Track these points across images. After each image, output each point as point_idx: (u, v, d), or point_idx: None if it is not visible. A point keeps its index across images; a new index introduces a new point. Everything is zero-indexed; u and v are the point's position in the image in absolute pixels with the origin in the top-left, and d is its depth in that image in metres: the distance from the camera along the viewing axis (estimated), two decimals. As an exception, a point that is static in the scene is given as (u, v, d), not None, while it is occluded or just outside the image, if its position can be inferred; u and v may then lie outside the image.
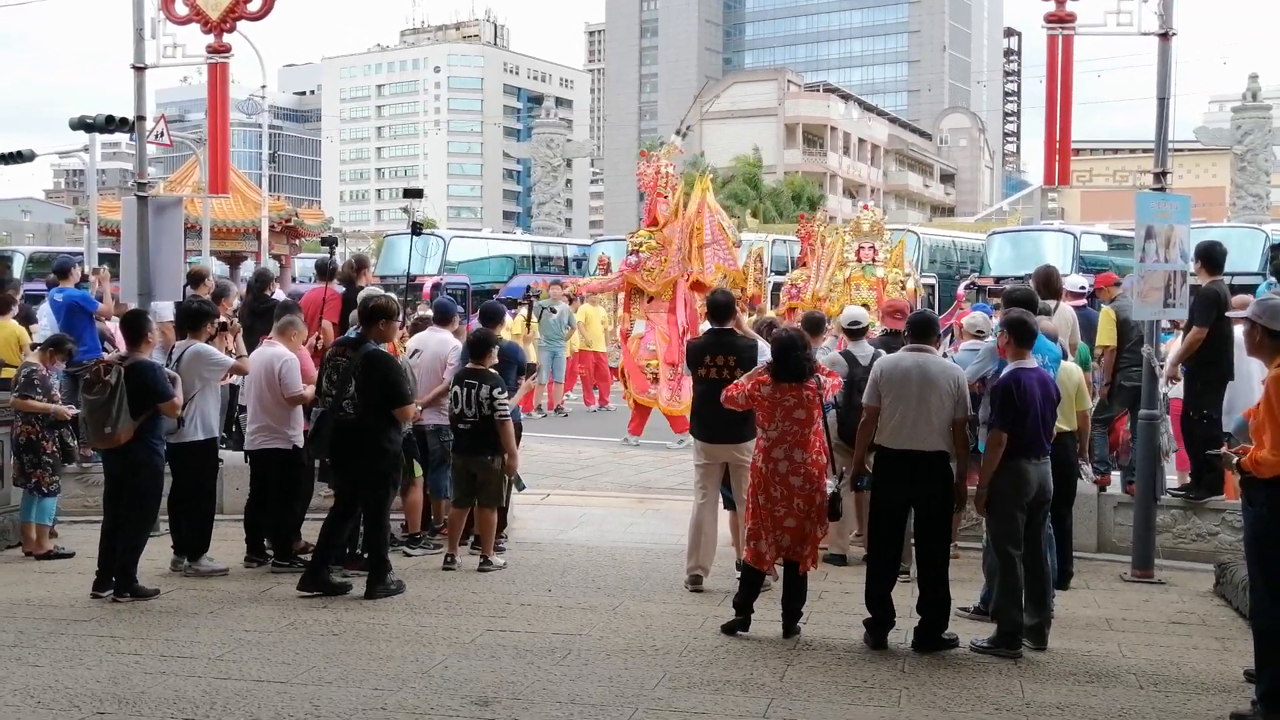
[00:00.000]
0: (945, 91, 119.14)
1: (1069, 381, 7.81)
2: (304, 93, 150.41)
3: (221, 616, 7.24)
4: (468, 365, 8.63)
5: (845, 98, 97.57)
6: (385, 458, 7.81)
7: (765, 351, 7.93)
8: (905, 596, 6.97)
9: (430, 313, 10.39)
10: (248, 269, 26.77)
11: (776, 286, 21.30)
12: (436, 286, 29.88)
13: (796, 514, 6.80)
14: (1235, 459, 5.59)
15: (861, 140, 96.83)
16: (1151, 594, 8.24)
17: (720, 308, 8.12)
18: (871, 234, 18.37)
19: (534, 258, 41.99)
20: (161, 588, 7.88)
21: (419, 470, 9.09)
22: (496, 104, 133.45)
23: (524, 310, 19.02)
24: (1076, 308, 10.19)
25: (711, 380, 7.92)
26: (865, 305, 14.50)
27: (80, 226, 35.07)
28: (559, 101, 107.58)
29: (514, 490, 8.94)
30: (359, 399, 7.75)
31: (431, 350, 9.36)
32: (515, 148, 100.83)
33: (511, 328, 15.99)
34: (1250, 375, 8.30)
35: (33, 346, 10.25)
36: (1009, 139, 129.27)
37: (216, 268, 24.88)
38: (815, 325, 9.38)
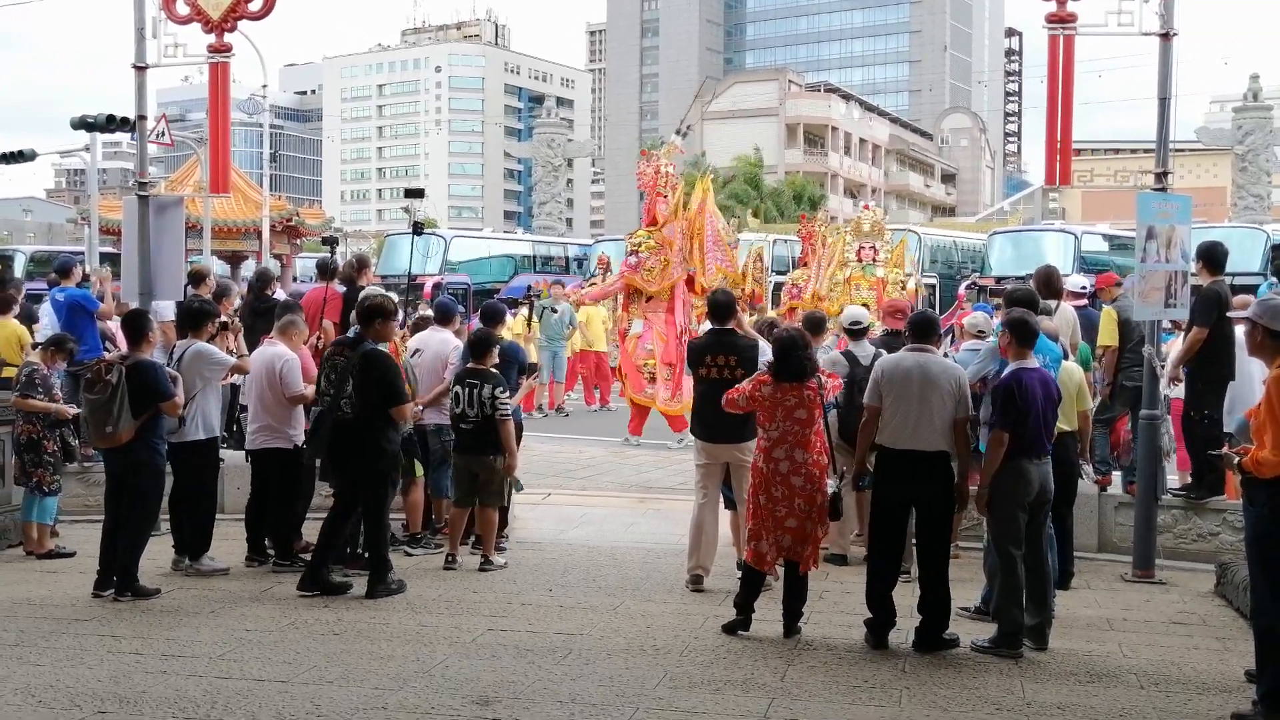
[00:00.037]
0: (946, 91, 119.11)
1: (1070, 381, 7.81)
2: (305, 92, 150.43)
3: (222, 616, 7.24)
4: (469, 365, 8.63)
5: (846, 98, 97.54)
6: (383, 457, 7.81)
7: (766, 351, 7.93)
8: (906, 596, 6.97)
9: (431, 312, 10.40)
10: (249, 268, 26.77)
11: (778, 286, 21.29)
12: (437, 286, 29.89)
13: (797, 514, 6.81)
14: (1236, 459, 5.59)
15: (862, 140, 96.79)
16: (1152, 594, 8.24)
17: (721, 308, 8.13)
18: (872, 234, 18.35)
19: (535, 257, 42.02)
20: (163, 587, 7.88)
21: (420, 470, 9.09)
22: (497, 104, 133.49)
23: (524, 310, 19.02)
24: (1078, 308, 10.19)
25: (712, 380, 7.93)
26: (865, 305, 14.48)
27: (81, 226, 35.08)
28: (560, 101, 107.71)
29: (513, 491, 8.95)
30: (356, 398, 7.74)
31: (432, 350, 9.36)
32: (516, 147, 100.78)
33: (512, 327, 15.99)
34: (1251, 376, 8.30)
35: (34, 346, 10.26)
36: (1010, 139, 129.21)
37: (217, 267, 24.89)
38: (816, 325, 9.39)
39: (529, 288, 27.15)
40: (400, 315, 10.77)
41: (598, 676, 6.06)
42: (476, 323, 9.63)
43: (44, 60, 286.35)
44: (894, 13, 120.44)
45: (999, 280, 27.25)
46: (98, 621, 7.12)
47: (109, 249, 24.27)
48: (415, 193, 23.56)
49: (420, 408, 9.00)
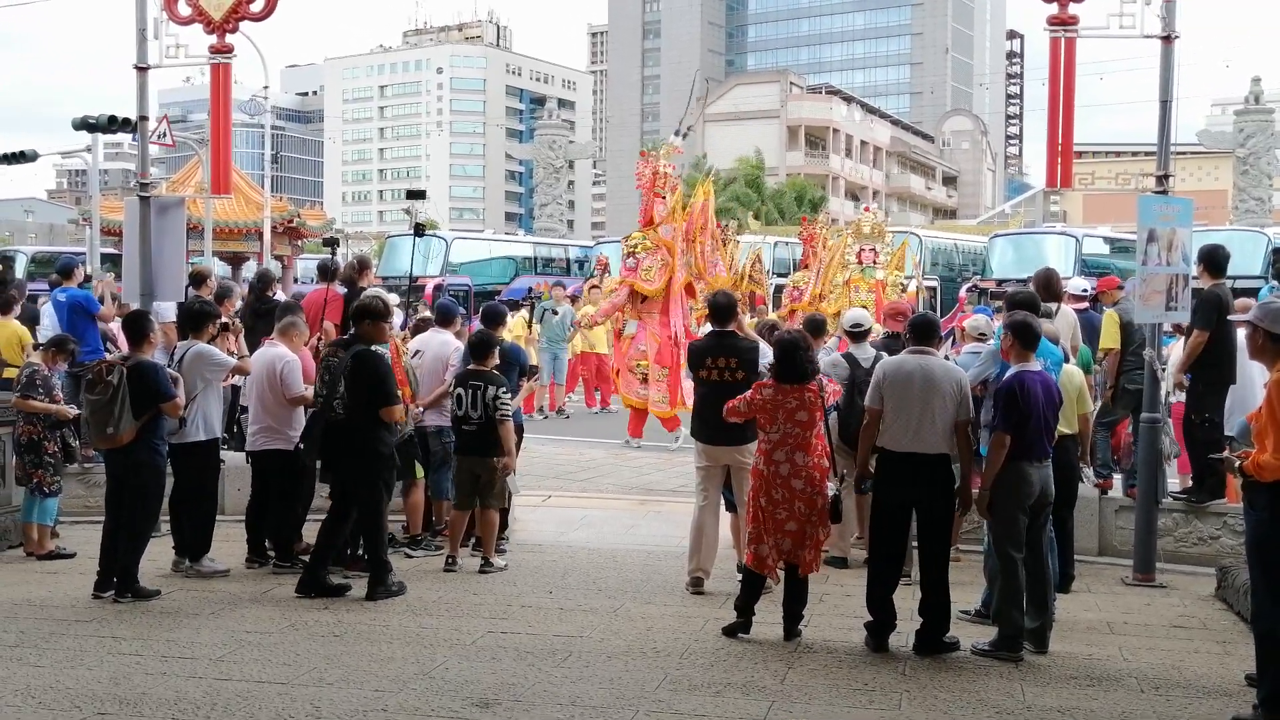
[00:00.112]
0: (947, 94, 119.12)
1: (1070, 384, 7.81)
2: (306, 93, 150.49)
3: (223, 617, 7.24)
4: (470, 367, 8.62)
5: (848, 100, 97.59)
6: (376, 458, 7.79)
7: (767, 353, 7.93)
8: (906, 599, 6.97)
9: (432, 314, 10.40)
10: (250, 270, 26.80)
11: (778, 289, 21.30)
12: (438, 288, 29.91)
13: (798, 517, 6.80)
14: (1237, 463, 5.59)
15: (864, 142, 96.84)
16: (1153, 598, 8.23)
17: (722, 310, 8.12)
18: (872, 236, 18.36)
19: (536, 259, 42.08)
20: (163, 588, 7.88)
21: (420, 472, 9.09)
22: (499, 105, 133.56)
23: (524, 312, 19.01)
24: (1079, 311, 10.19)
25: (713, 382, 7.93)
26: (864, 307, 14.48)
27: (83, 227, 35.07)
28: (561, 103, 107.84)
29: (511, 495, 8.94)
30: (348, 399, 7.74)
31: (433, 351, 9.36)
32: (517, 149, 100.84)
33: (513, 329, 15.99)
34: (1252, 379, 8.30)
35: (35, 347, 10.27)
36: (1011, 141, 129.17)
37: (219, 268, 24.93)
38: (816, 327, 9.40)
39: (530, 289, 27.19)
40: (401, 317, 10.81)
41: (598, 679, 6.06)
42: (477, 324, 9.63)
43: (44, 60, 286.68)
44: (895, 15, 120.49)
45: (1000, 283, 27.26)
46: (98, 623, 7.12)
47: (110, 250, 24.30)
48: (417, 194, 23.62)
49: (421, 409, 9.01)
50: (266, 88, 31.82)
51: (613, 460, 14.21)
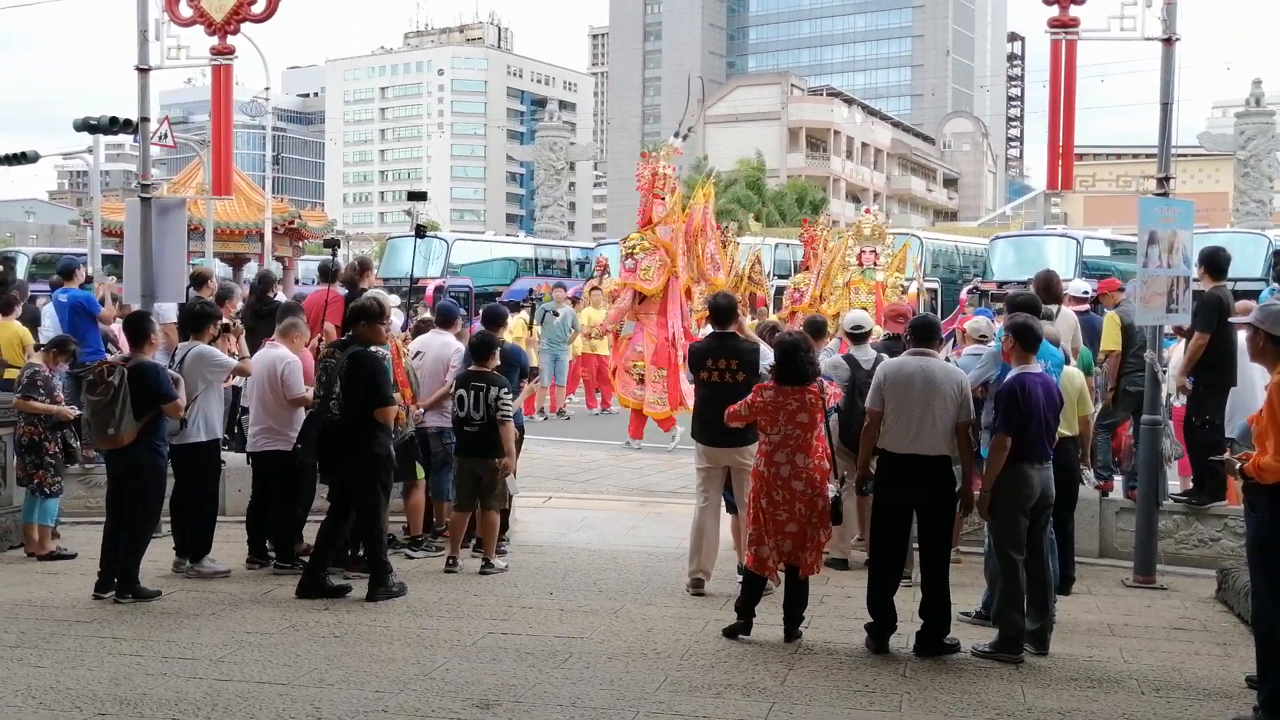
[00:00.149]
0: (948, 96, 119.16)
1: (1071, 386, 7.81)
2: (308, 95, 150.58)
3: (223, 618, 7.24)
4: (472, 368, 8.63)
5: (848, 102, 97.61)
6: (372, 459, 7.78)
7: (767, 355, 7.94)
8: (907, 601, 6.97)
9: (432, 315, 10.40)
10: (251, 271, 26.83)
11: (779, 290, 21.31)
12: (439, 289, 29.91)
13: (798, 519, 6.80)
14: (1238, 464, 5.59)
15: (865, 144, 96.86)
16: (1153, 599, 8.24)
17: (723, 311, 8.12)
18: (873, 238, 18.36)
19: (537, 261, 42.09)
20: (163, 589, 7.88)
21: (421, 472, 9.09)
22: (500, 107, 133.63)
23: (524, 313, 19.01)
24: (1080, 313, 10.19)
25: (714, 384, 7.93)
26: (863, 309, 14.48)
27: (84, 228, 35.09)
28: (562, 104, 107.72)
29: (511, 496, 8.94)
30: (343, 400, 7.74)
31: (434, 353, 9.36)
32: (518, 150, 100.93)
33: (513, 330, 15.99)
34: (1253, 381, 8.30)
35: (36, 347, 10.27)
36: (1012, 144, 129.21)
37: (219, 269, 24.92)
38: (817, 329, 9.39)
39: (531, 291, 27.19)
40: (402, 318, 10.82)
41: (598, 680, 6.06)
42: (478, 326, 9.63)
43: (45, 60, 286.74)
44: (896, 17, 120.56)
45: (1001, 285, 27.26)
46: (98, 623, 7.12)
47: (111, 251, 24.31)
48: (418, 195, 23.64)
49: (422, 410, 9.01)
50: (268, 89, 31.85)
51: (613, 462, 14.21)
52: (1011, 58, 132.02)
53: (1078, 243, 32.64)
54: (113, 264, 22.56)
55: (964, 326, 9.38)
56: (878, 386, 6.82)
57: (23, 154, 25.34)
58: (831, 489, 6.97)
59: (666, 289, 14.24)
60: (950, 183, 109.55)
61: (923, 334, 6.96)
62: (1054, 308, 9.21)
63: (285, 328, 8.90)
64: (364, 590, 7.72)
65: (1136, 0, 8.82)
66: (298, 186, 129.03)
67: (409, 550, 9.02)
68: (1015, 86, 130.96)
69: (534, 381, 10.19)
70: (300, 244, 30.71)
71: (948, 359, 7.72)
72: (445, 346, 9.41)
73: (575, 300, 20.33)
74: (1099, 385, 9.91)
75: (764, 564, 6.88)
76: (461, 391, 8.53)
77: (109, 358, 8.89)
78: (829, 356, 9.19)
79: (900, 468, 6.69)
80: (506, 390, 8.52)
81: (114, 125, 20.50)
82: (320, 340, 10.12)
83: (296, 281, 30.03)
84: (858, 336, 9.19)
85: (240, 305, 11.69)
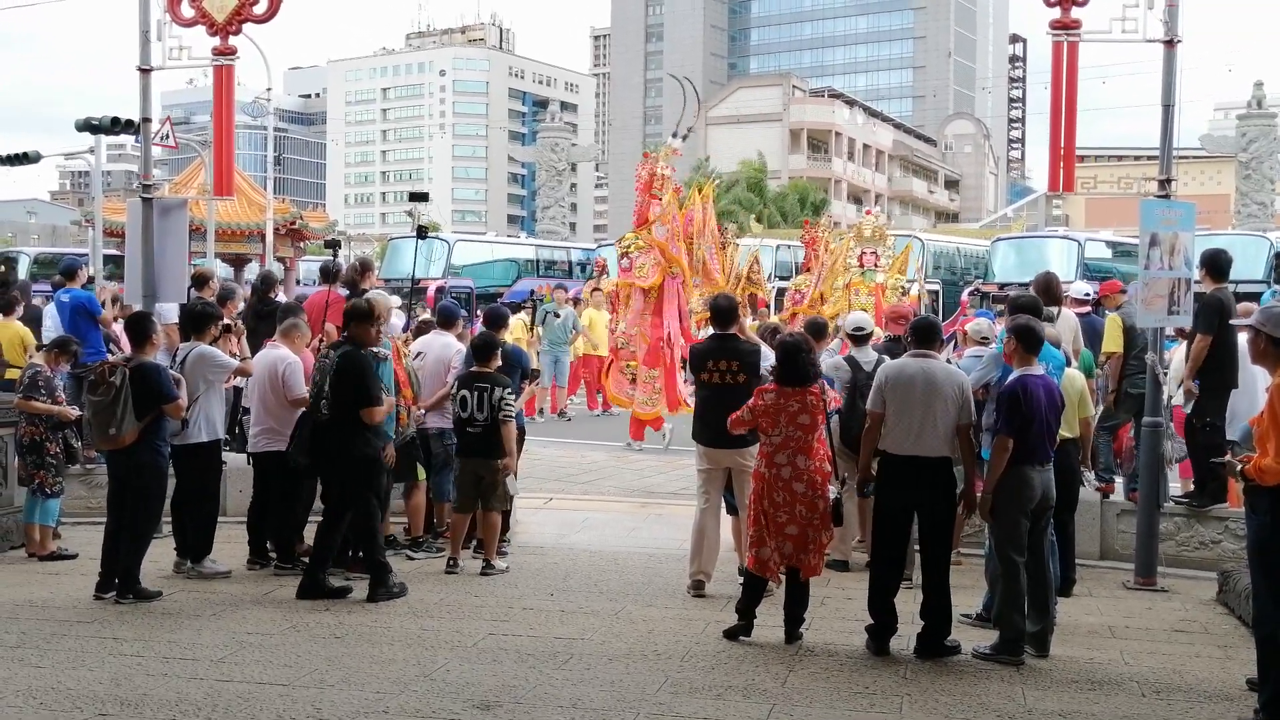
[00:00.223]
0: (950, 97, 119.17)
1: (1072, 388, 7.81)
2: (309, 95, 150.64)
3: (224, 618, 7.24)
4: (474, 369, 8.62)
5: (850, 103, 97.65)
6: (359, 460, 7.76)
7: (768, 356, 7.93)
8: (908, 603, 6.97)
9: (433, 316, 10.40)
10: (252, 271, 26.81)
11: (780, 291, 21.33)
12: (441, 290, 29.90)
13: (799, 520, 6.80)
14: (1239, 467, 5.59)
15: (866, 146, 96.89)
16: (1154, 601, 8.23)
17: (723, 312, 8.12)
18: (873, 239, 18.37)
19: (538, 262, 42.08)
20: (164, 589, 7.88)
21: (422, 473, 9.09)
22: (501, 108, 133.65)
23: (524, 314, 19.01)
24: (1081, 315, 10.19)
25: (714, 385, 7.93)
26: (863, 310, 14.48)
27: (85, 228, 35.08)
28: (564, 105, 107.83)
29: (511, 497, 8.94)
30: (332, 399, 7.74)
31: (435, 353, 9.36)
32: (520, 151, 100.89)
33: (513, 331, 15.99)
34: (1254, 383, 8.30)
35: (38, 348, 10.28)
36: (1014, 145, 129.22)
37: (221, 270, 24.91)
38: (818, 330, 9.39)
39: (532, 292, 27.18)
40: (403, 319, 10.82)
41: (599, 681, 6.06)
42: (479, 327, 9.63)
43: (45, 60, 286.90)
44: (898, 19, 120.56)
45: (1002, 287, 27.23)
46: (99, 624, 7.12)
47: (113, 251, 24.29)
48: (419, 196, 23.63)
49: (423, 411, 9.01)
50: (269, 90, 31.86)
51: (614, 463, 14.21)
52: (1013, 59, 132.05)
53: (1079, 244, 32.63)
54: (114, 264, 22.58)
55: (965, 328, 9.38)
56: (879, 388, 6.82)
57: (25, 154, 25.37)
58: (832, 491, 6.97)
59: (662, 289, 14.24)
60: (951, 184, 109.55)
61: (924, 335, 6.95)
62: (1054, 310, 9.21)
63: (286, 328, 8.90)
64: (364, 591, 7.72)
65: (1138, 2, 8.82)
66: (299, 187, 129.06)
67: (410, 551, 9.02)
68: (1017, 88, 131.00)
69: (534, 383, 10.18)
70: (301, 245, 30.69)
71: (949, 361, 7.72)
72: (446, 347, 9.41)
73: (576, 301, 20.33)
74: (1100, 387, 9.91)
75: (765, 565, 6.88)
76: (464, 392, 8.52)
77: (110, 358, 8.89)
78: (830, 357, 9.19)
79: (901, 469, 6.68)
80: (510, 391, 8.53)
81: (116, 126, 20.51)
82: (321, 341, 10.14)
83: (298, 282, 30.02)
84: (859, 338, 9.19)
85: (241, 306, 11.69)
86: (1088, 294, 11.33)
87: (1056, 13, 9.00)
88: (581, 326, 19.19)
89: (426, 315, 10.96)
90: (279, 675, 6.10)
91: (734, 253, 16.71)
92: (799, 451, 6.81)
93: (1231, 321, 8.73)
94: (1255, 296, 15.15)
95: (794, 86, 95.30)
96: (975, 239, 45.25)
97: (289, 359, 8.60)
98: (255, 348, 9.47)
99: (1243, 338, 7.45)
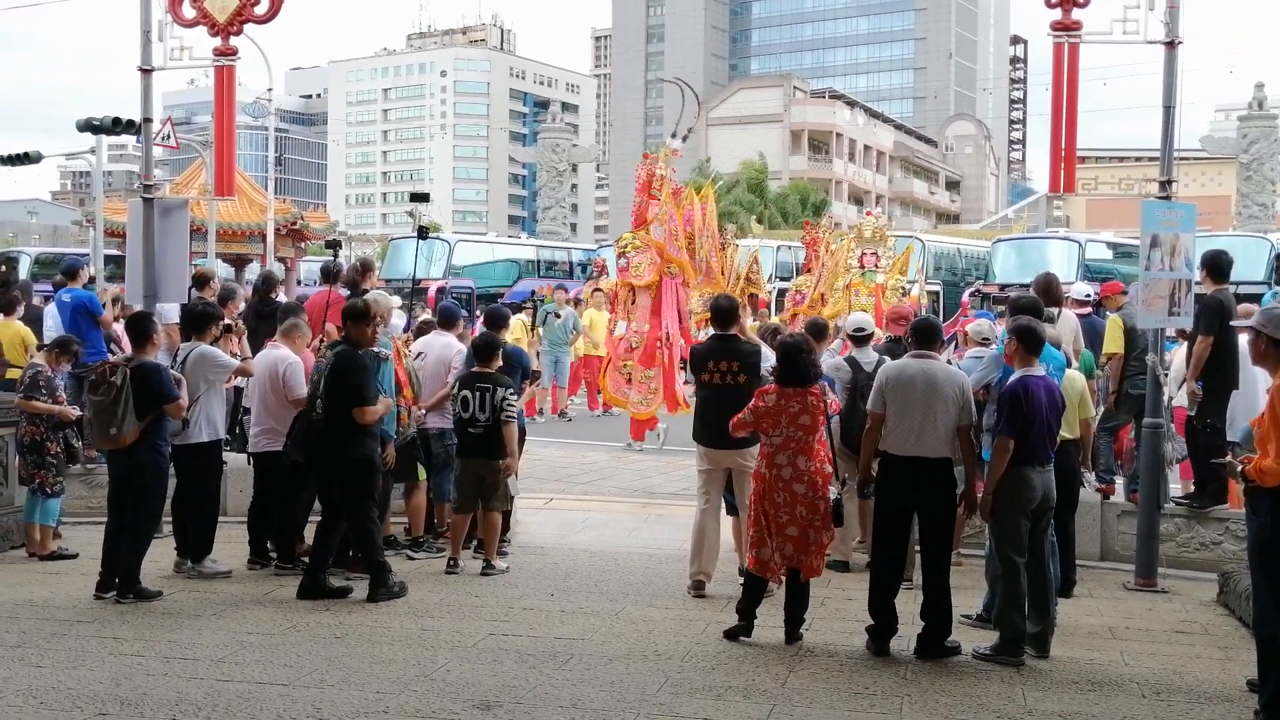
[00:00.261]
0: (951, 99, 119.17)
1: (1073, 389, 7.81)
2: (310, 96, 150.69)
3: (224, 618, 7.25)
4: (475, 369, 8.62)
5: (851, 104, 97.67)
6: (352, 459, 7.74)
7: (769, 357, 7.94)
8: (908, 603, 6.97)
9: (433, 316, 10.40)
10: (253, 272, 26.82)
11: (781, 292, 21.35)
12: (441, 290, 29.92)
13: (799, 521, 6.80)
14: (1240, 468, 5.59)
15: (867, 147, 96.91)
16: (1154, 603, 8.23)
17: (724, 313, 8.12)
18: (874, 240, 18.38)
19: (539, 262, 42.10)
20: (165, 589, 7.89)
21: (423, 473, 9.09)
22: (502, 108, 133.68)
23: (525, 315, 19.01)
24: (1081, 316, 10.19)
25: (715, 386, 7.93)
26: (863, 311, 14.49)
27: (86, 228, 35.09)
28: (565, 106, 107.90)
29: (511, 498, 8.94)
30: (325, 399, 7.74)
31: (435, 354, 9.36)
32: (521, 152, 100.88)
33: (513, 332, 15.99)
34: (1255, 384, 8.30)
35: (39, 347, 10.28)
36: (1014, 146, 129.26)
37: (222, 270, 24.92)
38: (819, 331, 9.39)
39: (533, 293, 27.17)
40: (404, 319, 10.82)
41: (599, 682, 6.06)
42: (479, 327, 9.63)
43: (45, 60, 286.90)
44: (899, 20, 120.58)
45: (1003, 288, 27.26)
46: (100, 623, 7.12)
47: (114, 251, 24.30)
48: (420, 197, 23.61)
49: (424, 411, 9.01)
50: (270, 90, 31.87)
51: (614, 463, 14.21)
52: (1014, 61, 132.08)
53: (1080, 246, 32.63)
54: (115, 264, 22.58)
55: (966, 329, 9.38)
56: (879, 389, 6.82)
57: (25, 154, 25.38)
58: (833, 491, 6.97)
59: (660, 288, 14.24)
60: (952, 185, 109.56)
61: (924, 336, 6.95)
62: (1054, 310, 9.21)
63: (287, 328, 8.91)
64: (365, 591, 7.72)
65: (1139, 3, 8.82)
66: (300, 187, 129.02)
67: (410, 551, 9.03)
68: (1017, 89, 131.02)
69: (535, 384, 10.18)
70: (302, 245, 30.72)
71: (950, 362, 7.72)
72: (447, 348, 9.41)
73: (577, 302, 20.34)
74: (1101, 388, 9.90)
75: (766, 566, 6.88)
76: (465, 393, 8.52)
77: (111, 358, 8.90)
78: (831, 358, 9.19)
79: (902, 470, 6.69)
80: (512, 391, 8.53)
81: (117, 126, 20.51)
82: (322, 341, 10.14)
83: (299, 282, 30.05)
84: (860, 339, 9.19)
85: (242, 306, 11.69)
86: (1088, 295, 11.33)
87: (1057, 14, 9.00)
88: (582, 327, 19.19)
89: (427, 315, 10.95)
90: (279, 675, 6.10)
91: (733, 253, 16.71)
92: (800, 452, 6.81)
93: (1232, 323, 8.73)
94: (1256, 298, 15.13)
95: (795, 87, 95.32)
96: (976, 240, 45.29)
97: (290, 359, 8.60)
98: (256, 348, 9.48)
99: (1243, 339, 7.45)
